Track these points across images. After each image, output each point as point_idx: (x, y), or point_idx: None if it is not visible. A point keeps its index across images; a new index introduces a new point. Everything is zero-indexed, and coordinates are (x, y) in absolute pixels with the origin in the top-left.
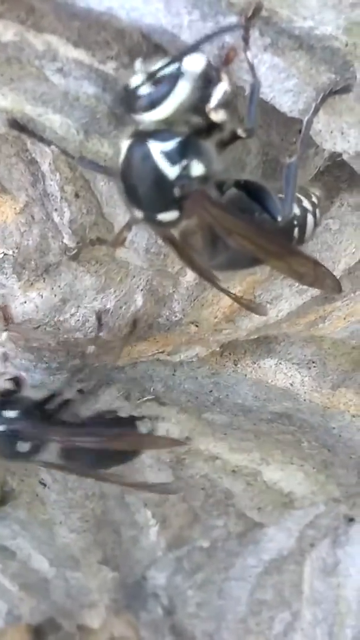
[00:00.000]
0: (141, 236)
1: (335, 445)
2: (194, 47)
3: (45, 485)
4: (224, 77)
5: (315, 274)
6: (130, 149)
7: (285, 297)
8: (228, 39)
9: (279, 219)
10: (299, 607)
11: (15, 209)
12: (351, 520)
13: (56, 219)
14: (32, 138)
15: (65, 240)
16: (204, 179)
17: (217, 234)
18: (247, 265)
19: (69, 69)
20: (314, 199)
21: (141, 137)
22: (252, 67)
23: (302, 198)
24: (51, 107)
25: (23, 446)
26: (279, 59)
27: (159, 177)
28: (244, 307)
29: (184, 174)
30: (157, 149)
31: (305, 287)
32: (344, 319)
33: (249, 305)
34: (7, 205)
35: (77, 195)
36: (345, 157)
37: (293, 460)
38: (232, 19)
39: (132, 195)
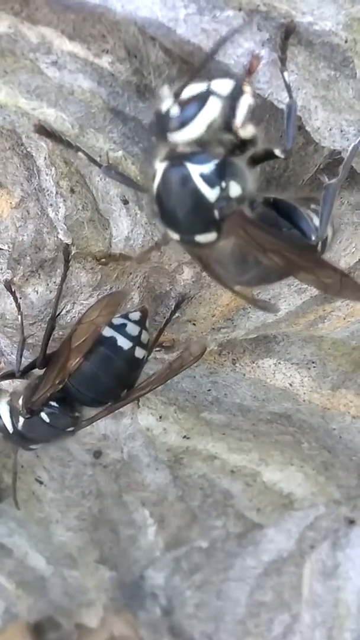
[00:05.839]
0: (137, 233)
1: (335, 447)
2: (213, 53)
3: (41, 483)
4: (247, 89)
5: (341, 284)
6: (167, 171)
7: (284, 297)
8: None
9: (313, 238)
10: (298, 609)
11: (10, 203)
12: (352, 522)
13: (51, 214)
14: (59, 144)
15: (61, 236)
16: (241, 198)
17: (247, 251)
18: (275, 279)
19: (63, 62)
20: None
21: (178, 159)
22: (288, 88)
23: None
24: (46, 101)
25: None
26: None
27: (200, 200)
28: (256, 307)
29: (223, 196)
30: (196, 171)
31: (304, 286)
32: (344, 319)
33: (263, 306)
34: (3, 199)
35: (72, 191)
36: (344, 155)
37: (293, 461)
38: (229, 13)
39: (169, 218)
